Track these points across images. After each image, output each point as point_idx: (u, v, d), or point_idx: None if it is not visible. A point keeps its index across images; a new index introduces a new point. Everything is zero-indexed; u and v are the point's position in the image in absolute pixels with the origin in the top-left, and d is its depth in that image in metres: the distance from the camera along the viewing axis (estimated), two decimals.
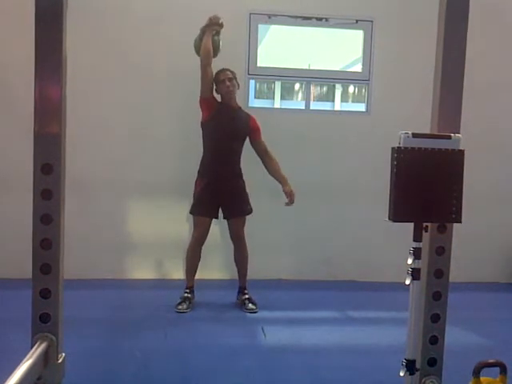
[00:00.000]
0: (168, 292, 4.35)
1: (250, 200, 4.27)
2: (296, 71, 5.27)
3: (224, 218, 4.24)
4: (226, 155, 4.15)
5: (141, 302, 4.28)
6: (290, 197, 4.17)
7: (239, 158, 4.23)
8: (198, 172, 4.20)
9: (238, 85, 4.28)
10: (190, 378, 2.88)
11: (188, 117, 4.79)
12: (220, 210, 4.23)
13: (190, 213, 4.24)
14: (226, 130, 4.14)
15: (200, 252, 4.20)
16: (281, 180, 4.23)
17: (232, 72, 4.21)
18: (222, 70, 4.20)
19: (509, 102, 5.24)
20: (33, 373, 1.93)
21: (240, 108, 4.31)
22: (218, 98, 4.25)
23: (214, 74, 4.16)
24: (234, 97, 4.22)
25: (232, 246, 4.29)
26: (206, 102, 4.15)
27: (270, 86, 7.13)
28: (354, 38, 5.25)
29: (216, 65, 4.15)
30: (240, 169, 4.23)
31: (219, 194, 4.13)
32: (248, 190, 4.27)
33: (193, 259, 4.21)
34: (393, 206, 2.01)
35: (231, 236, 4.25)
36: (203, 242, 4.19)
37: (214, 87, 4.21)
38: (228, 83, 4.15)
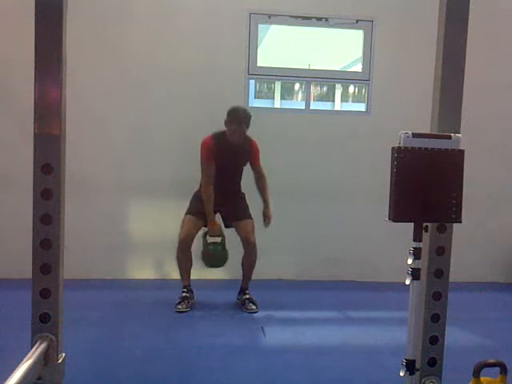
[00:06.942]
0: (168, 292, 4.35)
1: (250, 200, 4.27)
2: (296, 71, 5.27)
3: (229, 226, 4.22)
4: (227, 182, 4.16)
5: (141, 301, 4.28)
6: (268, 220, 4.24)
7: (240, 179, 4.26)
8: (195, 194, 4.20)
9: (248, 127, 4.08)
10: (189, 377, 2.88)
11: (188, 117, 4.80)
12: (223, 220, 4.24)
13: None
14: (228, 164, 4.10)
15: (190, 253, 4.11)
16: (265, 201, 4.28)
17: (245, 117, 4.02)
18: (235, 120, 4.00)
19: (509, 102, 5.24)
20: (33, 373, 1.93)
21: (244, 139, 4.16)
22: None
23: (228, 112, 4.02)
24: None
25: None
26: (208, 158, 4.07)
27: (269, 86, 7.11)
28: (354, 37, 5.25)
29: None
30: (240, 186, 4.27)
31: (219, 203, 4.10)
32: (248, 194, 4.28)
33: (183, 261, 4.13)
34: (393, 205, 2.01)
35: (242, 242, 4.15)
36: (190, 245, 4.09)
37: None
38: (237, 137, 4.04)
